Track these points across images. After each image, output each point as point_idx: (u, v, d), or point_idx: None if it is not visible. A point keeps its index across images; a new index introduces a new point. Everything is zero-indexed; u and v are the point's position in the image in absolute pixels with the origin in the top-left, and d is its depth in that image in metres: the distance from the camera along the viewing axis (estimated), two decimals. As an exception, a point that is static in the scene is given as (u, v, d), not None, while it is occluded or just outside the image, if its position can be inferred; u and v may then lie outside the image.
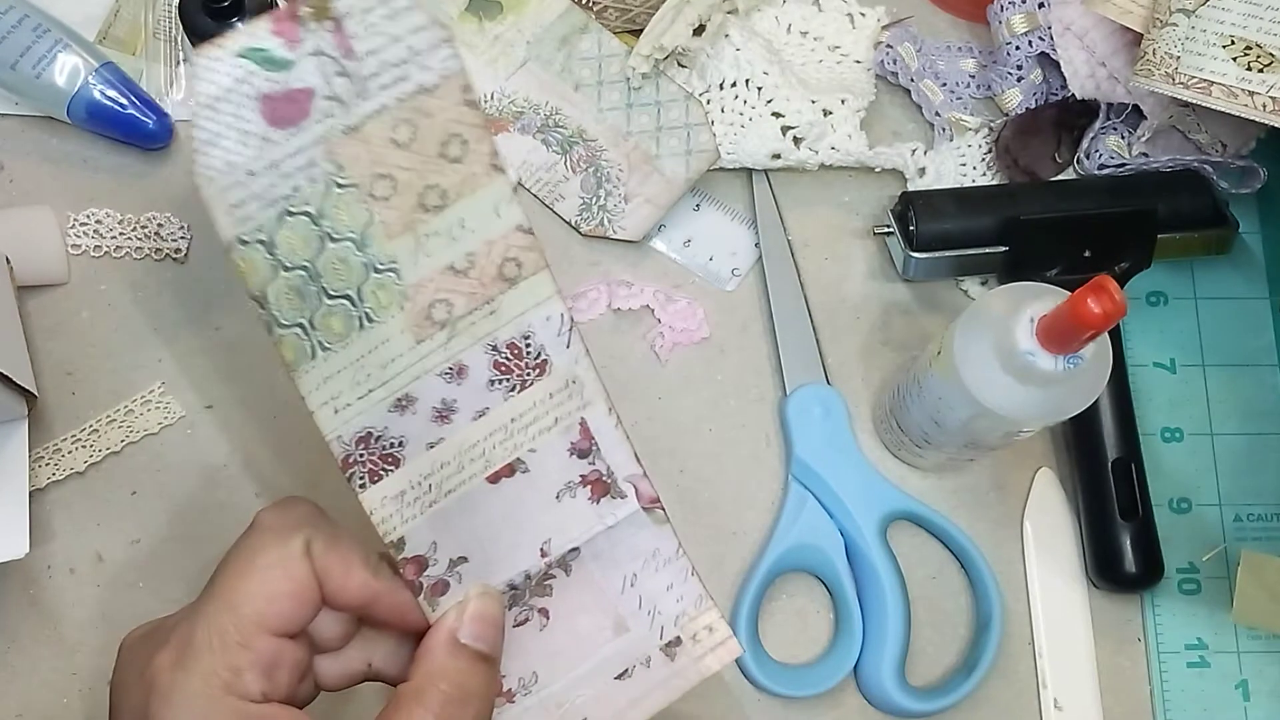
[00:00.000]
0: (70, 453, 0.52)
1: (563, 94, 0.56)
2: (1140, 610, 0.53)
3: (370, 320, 0.37)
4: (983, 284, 0.57)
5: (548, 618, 0.40)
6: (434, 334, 0.37)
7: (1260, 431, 0.55)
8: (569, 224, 0.56)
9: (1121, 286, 0.39)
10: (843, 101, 0.56)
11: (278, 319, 0.36)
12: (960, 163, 0.57)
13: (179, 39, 0.57)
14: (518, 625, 0.40)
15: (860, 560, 0.51)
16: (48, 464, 0.51)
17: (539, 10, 0.57)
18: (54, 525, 0.51)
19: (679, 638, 0.41)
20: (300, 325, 0.36)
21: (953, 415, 0.46)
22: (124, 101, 0.54)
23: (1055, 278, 0.51)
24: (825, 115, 0.56)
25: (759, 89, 0.56)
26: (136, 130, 0.54)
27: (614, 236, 0.55)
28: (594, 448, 0.40)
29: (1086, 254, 0.52)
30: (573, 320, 0.39)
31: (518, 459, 0.39)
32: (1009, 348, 0.42)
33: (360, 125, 0.36)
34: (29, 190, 0.55)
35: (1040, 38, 0.56)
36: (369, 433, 0.37)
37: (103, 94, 0.53)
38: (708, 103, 0.56)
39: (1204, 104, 0.50)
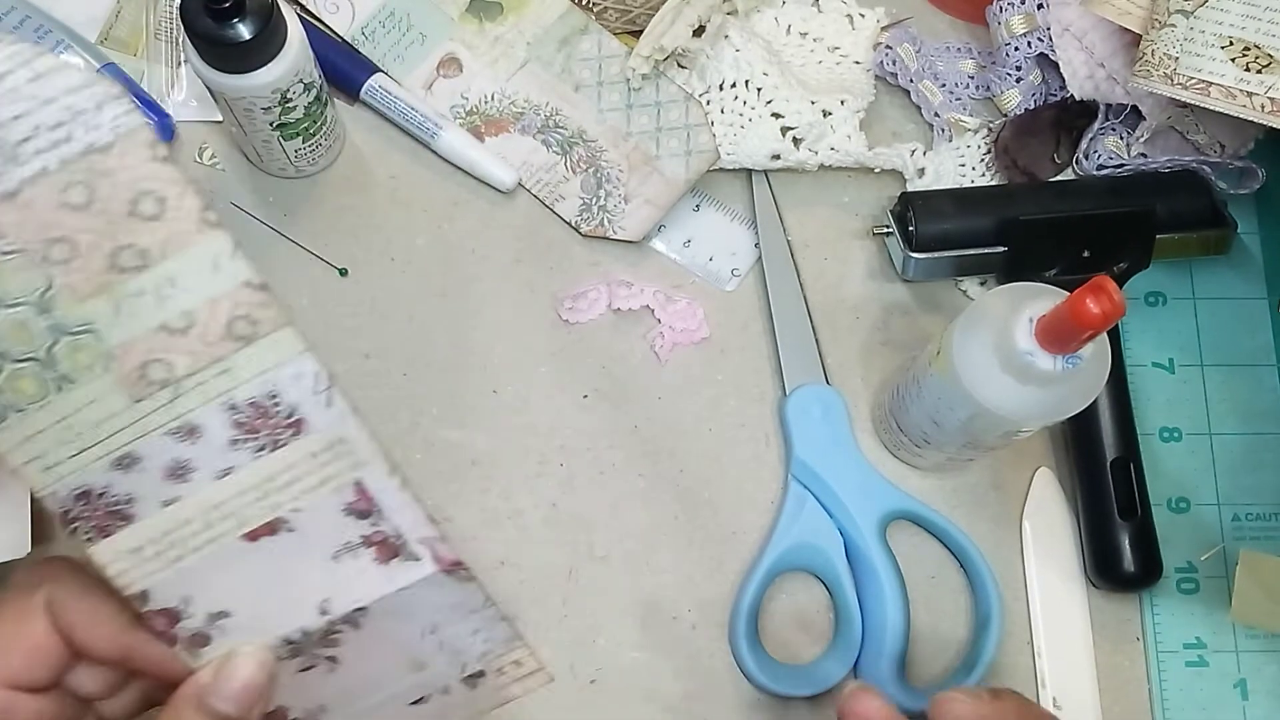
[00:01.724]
0: (71, 453, 0.52)
1: (563, 95, 0.56)
2: (1139, 610, 0.53)
3: (70, 381, 0.35)
4: (982, 284, 0.57)
5: (337, 662, 0.39)
6: (154, 393, 0.35)
7: (1259, 431, 0.55)
8: (569, 224, 0.56)
9: (1120, 287, 0.39)
10: (842, 102, 0.56)
11: None
12: (959, 163, 0.58)
13: (180, 40, 0.57)
14: (304, 670, 0.38)
15: (860, 560, 0.51)
16: (49, 464, 0.51)
17: (539, 11, 0.57)
18: (54, 525, 0.51)
19: (482, 671, 0.40)
20: None
21: (952, 415, 0.47)
22: (125, 102, 0.54)
23: (1054, 278, 0.51)
24: (825, 116, 0.56)
25: (758, 90, 0.56)
26: (137, 131, 0.54)
27: (614, 237, 0.56)
28: (375, 509, 0.37)
29: (1085, 254, 0.52)
30: (331, 378, 0.36)
31: (279, 518, 0.37)
32: (1008, 348, 0.42)
33: (17, 191, 0.33)
34: (30, 191, 0.55)
35: (1039, 38, 0.56)
36: (88, 490, 0.36)
37: (104, 95, 0.53)
38: (707, 103, 0.56)
39: (1202, 105, 0.50)
